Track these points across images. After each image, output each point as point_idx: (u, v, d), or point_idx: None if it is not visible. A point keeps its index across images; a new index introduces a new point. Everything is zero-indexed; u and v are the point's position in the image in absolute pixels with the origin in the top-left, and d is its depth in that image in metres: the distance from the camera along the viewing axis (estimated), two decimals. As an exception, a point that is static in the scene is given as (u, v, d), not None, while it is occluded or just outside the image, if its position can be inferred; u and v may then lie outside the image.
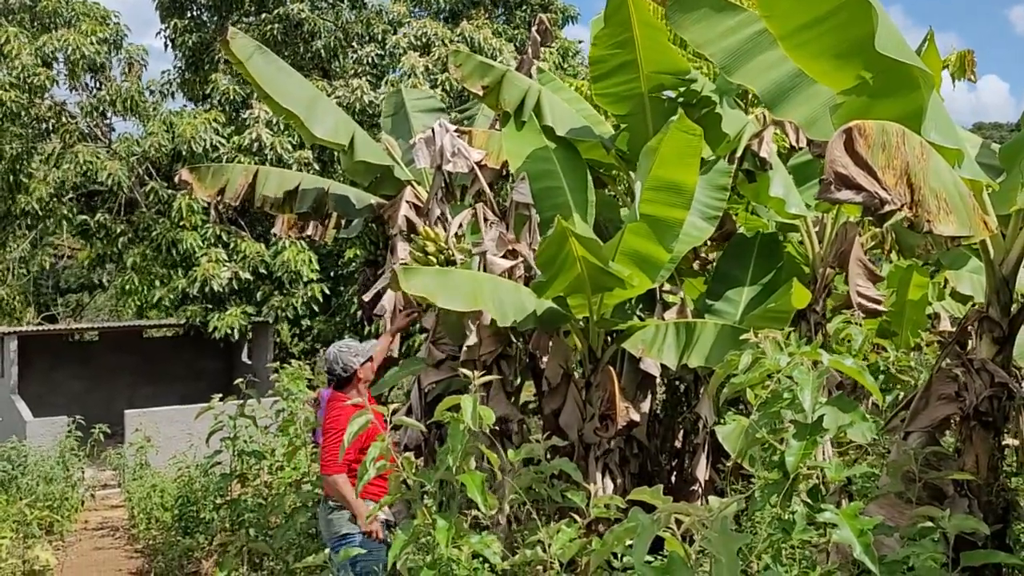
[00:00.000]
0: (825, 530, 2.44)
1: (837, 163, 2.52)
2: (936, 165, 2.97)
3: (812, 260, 6.31)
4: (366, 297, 6.92)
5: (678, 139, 4.80)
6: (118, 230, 15.29)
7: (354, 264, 16.03)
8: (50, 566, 7.12)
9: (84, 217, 15.44)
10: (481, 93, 6.18)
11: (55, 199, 14.97)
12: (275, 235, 7.63)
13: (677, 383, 6.97)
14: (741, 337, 2.92)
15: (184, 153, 14.71)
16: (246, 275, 14.90)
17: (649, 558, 3.86)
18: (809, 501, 2.48)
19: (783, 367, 2.57)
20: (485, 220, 5.55)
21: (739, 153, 6.04)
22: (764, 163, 5.95)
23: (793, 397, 2.49)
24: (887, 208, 2.67)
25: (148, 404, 14.66)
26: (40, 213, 14.89)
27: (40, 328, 17.14)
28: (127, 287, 15.43)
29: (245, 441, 7.71)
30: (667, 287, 6.32)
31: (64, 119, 15.68)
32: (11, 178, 15.19)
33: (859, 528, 2.30)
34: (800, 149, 6.36)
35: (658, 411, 6.81)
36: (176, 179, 7.22)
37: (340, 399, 4.85)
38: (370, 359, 5.16)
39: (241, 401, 7.91)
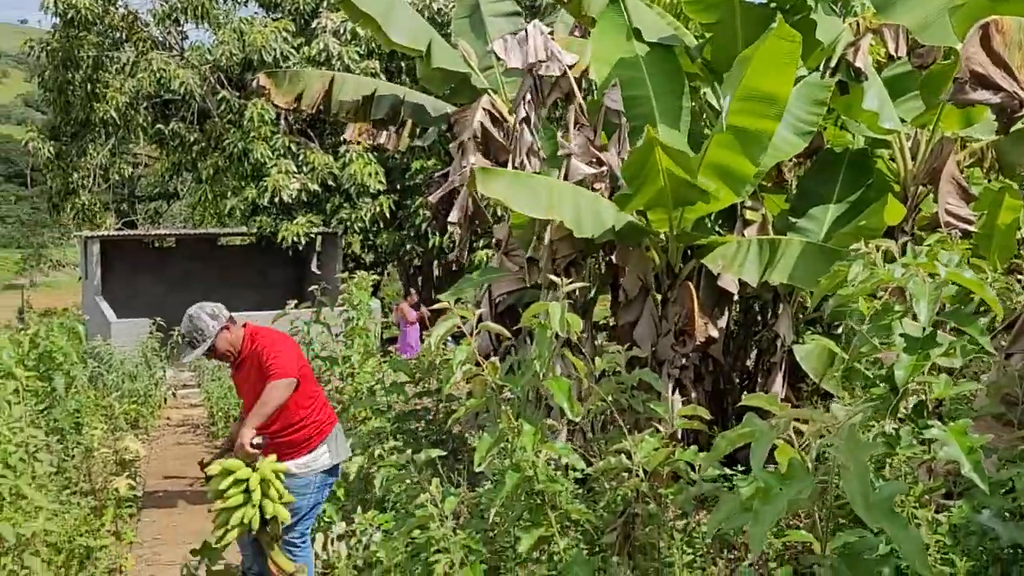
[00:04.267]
0: (929, 447, 2.39)
1: (973, 61, 2.35)
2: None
3: (903, 178, 6.06)
4: (433, 198, 6.88)
5: (774, 46, 4.58)
6: (192, 139, 15.50)
7: (420, 176, 16.04)
8: (139, 456, 7.47)
9: (159, 126, 15.67)
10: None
11: (131, 108, 15.19)
12: (345, 140, 7.60)
13: (753, 301, 6.86)
14: (853, 246, 2.82)
15: (255, 62, 14.74)
16: (315, 187, 15.03)
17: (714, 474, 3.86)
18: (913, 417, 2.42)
19: (897, 278, 2.47)
20: (575, 124, 5.42)
21: (833, 63, 5.76)
22: (859, 74, 5.67)
23: (906, 310, 2.40)
24: (1026, 110, 2.48)
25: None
26: (118, 122, 15.15)
27: (120, 233, 17.65)
28: (201, 198, 15.75)
29: (318, 347, 7.90)
30: (748, 203, 6.15)
31: (137, 27, 15.78)
32: (89, 87, 15.45)
33: (968, 445, 2.23)
34: (898, 59, 6.04)
35: (733, 329, 6.73)
36: (254, 84, 7.22)
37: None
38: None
39: (314, 308, 8.08)
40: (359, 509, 5.02)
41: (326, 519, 5.22)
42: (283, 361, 4.13)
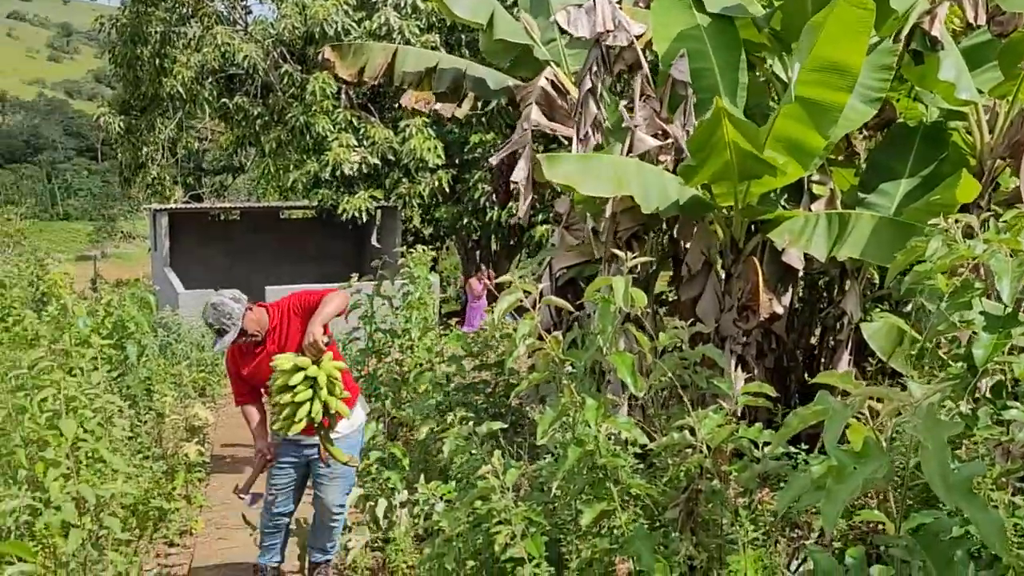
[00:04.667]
0: (1008, 428, 2.32)
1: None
2: None
3: (979, 151, 5.85)
4: (495, 160, 6.86)
5: (846, 14, 4.44)
6: (255, 113, 15.73)
7: (479, 151, 16.05)
8: (207, 423, 7.69)
9: (224, 100, 15.94)
10: (627, -32, 5.89)
11: (197, 82, 15.47)
12: (401, 106, 7.61)
13: (818, 277, 6.72)
14: (931, 221, 2.73)
15: (316, 36, 14.86)
16: (374, 160, 15.15)
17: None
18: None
19: (979, 254, 2.39)
20: (641, 95, 5.35)
21: (906, 32, 5.58)
22: (935, 43, 5.48)
23: (986, 288, 2.32)
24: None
25: (285, 281, 15.38)
26: (184, 96, 15.45)
27: (187, 206, 18.08)
28: (264, 172, 16.01)
29: (380, 320, 8.01)
30: (815, 176, 6.01)
31: (203, 2, 16.03)
32: (157, 62, 15.78)
33: (1049, 428, 2.16)
34: (978, 28, 5.81)
35: (797, 306, 6.61)
36: (319, 57, 7.27)
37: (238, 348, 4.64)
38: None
39: (375, 281, 8.18)
40: (422, 478, 5.10)
41: (389, 486, 5.32)
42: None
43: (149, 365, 8.32)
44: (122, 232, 56.74)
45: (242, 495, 4.69)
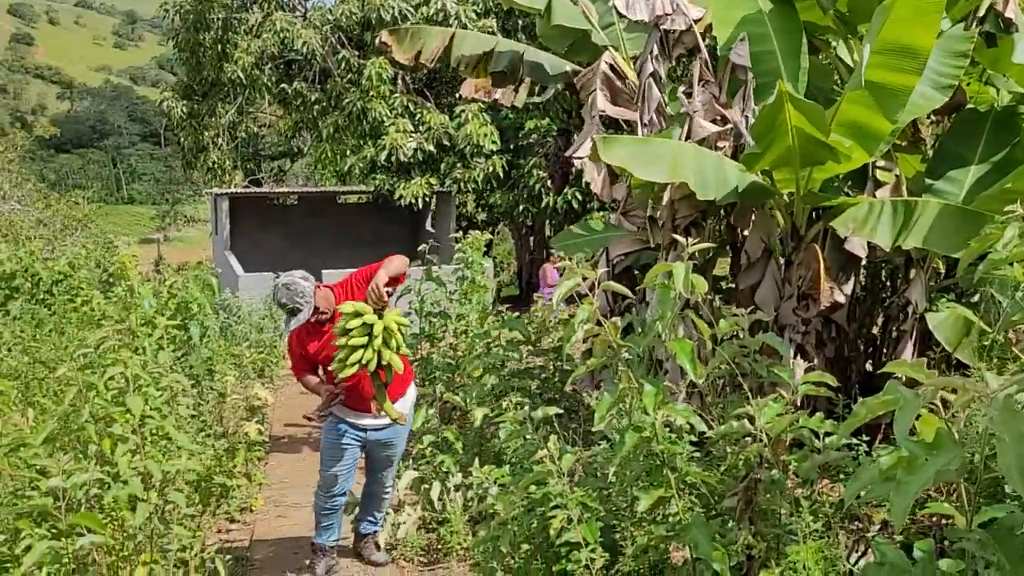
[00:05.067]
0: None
1: None
2: None
3: (1055, 137, 5.65)
4: (570, 153, 6.85)
5: (917, -5, 4.32)
6: (313, 98, 15.90)
7: (534, 136, 16.01)
8: (266, 403, 7.85)
9: (283, 85, 16.15)
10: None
11: (257, 68, 15.70)
12: (460, 97, 7.62)
13: (881, 265, 6.58)
14: (1006, 209, 2.64)
15: (374, 21, 14.96)
16: (430, 147, 15.21)
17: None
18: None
19: (1058, 242, 2.31)
20: (700, 80, 5.28)
21: (980, 14, 5.39)
22: (1008, 25, 5.30)
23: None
24: None
25: (342, 265, 15.58)
26: (244, 81, 15.70)
27: (247, 191, 18.39)
28: (322, 156, 16.19)
29: (432, 304, 8.07)
30: (880, 162, 5.87)
31: (263, -11, 16.24)
32: (219, 48, 16.06)
33: None
34: (1055, 8, 5.59)
35: (859, 294, 6.48)
36: (376, 41, 7.32)
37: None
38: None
39: (426, 266, 8.23)
40: (476, 462, 5.13)
41: (443, 470, 5.37)
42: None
43: (211, 346, 8.52)
44: (184, 216, 58.04)
45: (311, 416, 4.83)
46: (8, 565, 3.66)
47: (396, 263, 4.45)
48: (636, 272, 6.63)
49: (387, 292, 4.30)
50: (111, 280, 11.96)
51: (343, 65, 15.58)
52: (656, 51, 5.49)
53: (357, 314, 4.22)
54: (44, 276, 10.75)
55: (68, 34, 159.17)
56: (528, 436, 4.73)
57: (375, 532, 5.08)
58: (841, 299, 5.41)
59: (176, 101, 17.09)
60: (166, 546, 3.98)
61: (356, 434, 4.73)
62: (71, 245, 17.34)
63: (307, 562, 4.92)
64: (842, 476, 4.93)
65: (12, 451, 4.38)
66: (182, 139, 17.73)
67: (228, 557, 4.94)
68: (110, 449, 4.23)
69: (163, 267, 20.22)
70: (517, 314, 7.22)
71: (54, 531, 3.73)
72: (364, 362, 4.23)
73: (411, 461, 5.99)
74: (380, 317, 4.28)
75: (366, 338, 4.22)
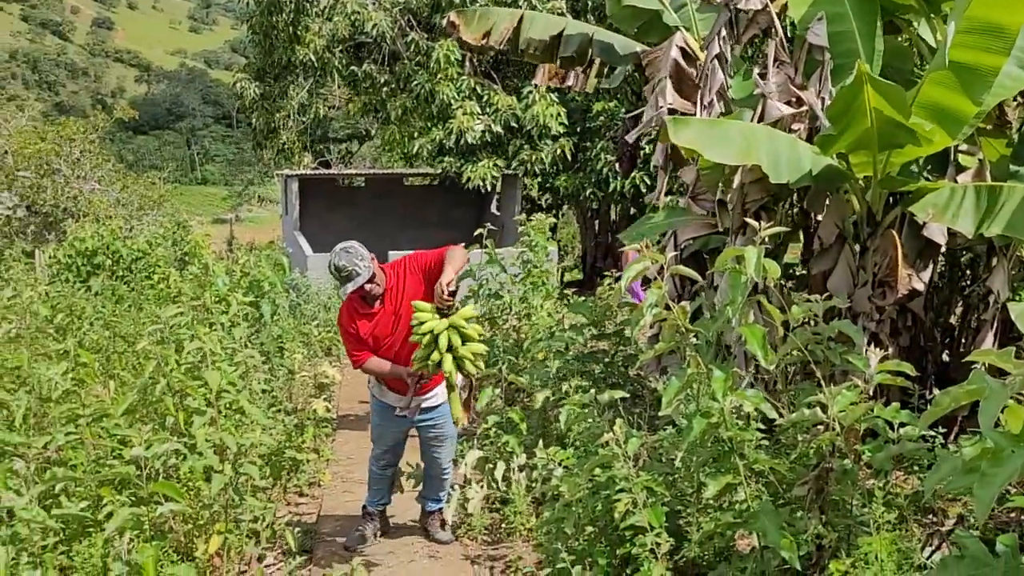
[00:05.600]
0: None
1: None
2: None
3: None
4: (630, 138, 6.80)
5: (1007, -30, 4.14)
6: (382, 80, 16.04)
7: (602, 118, 15.86)
8: (334, 381, 8.00)
9: (353, 68, 16.32)
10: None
11: (328, 50, 15.90)
12: (535, 85, 7.61)
13: (961, 253, 6.36)
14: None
15: (443, 3, 15.01)
16: (497, 128, 15.20)
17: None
18: None
19: None
20: (775, 60, 5.16)
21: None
22: (1106, 2, 5.03)
23: None
24: None
25: (408, 247, 15.74)
26: (316, 64, 15.91)
27: (316, 172, 18.67)
28: (390, 139, 16.33)
29: (494, 287, 8.11)
30: (963, 146, 5.66)
31: (335, -30, 16.40)
32: (291, 30, 16.32)
33: None
34: None
35: (937, 282, 6.28)
36: (444, 23, 7.34)
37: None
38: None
39: (486, 249, 8.25)
40: (540, 444, 5.15)
41: (507, 450, 5.41)
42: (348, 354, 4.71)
43: (281, 324, 8.71)
44: (258, 196, 59.27)
45: (405, 412, 4.67)
46: (91, 529, 3.82)
47: (458, 258, 4.30)
48: (704, 256, 6.55)
49: (452, 292, 4.15)
50: (186, 259, 12.32)
51: (412, 47, 15.67)
52: (724, 32, 5.39)
53: (420, 323, 4.13)
54: (124, 254, 11.12)
55: (146, 18, 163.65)
56: (591, 419, 4.73)
57: (440, 510, 5.14)
58: (919, 287, 5.25)
59: (249, 83, 17.42)
60: (239, 516, 4.10)
61: (397, 415, 4.75)
62: (147, 224, 17.89)
63: (357, 527, 5.05)
64: (915, 468, 4.82)
65: (95, 421, 4.57)
66: (254, 121, 18.07)
67: (297, 529, 5.08)
68: (185, 422, 4.38)
69: (235, 246, 20.71)
70: (582, 298, 7.20)
71: (134, 499, 3.88)
72: (432, 362, 4.13)
73: (475, 441, 6.05)
74: (445, 316, 4.16)
75: (438, 351, 4.12)
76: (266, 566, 4.62)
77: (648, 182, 15.60)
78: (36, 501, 3.47)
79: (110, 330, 7.27)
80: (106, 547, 3.50)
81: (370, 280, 4.38)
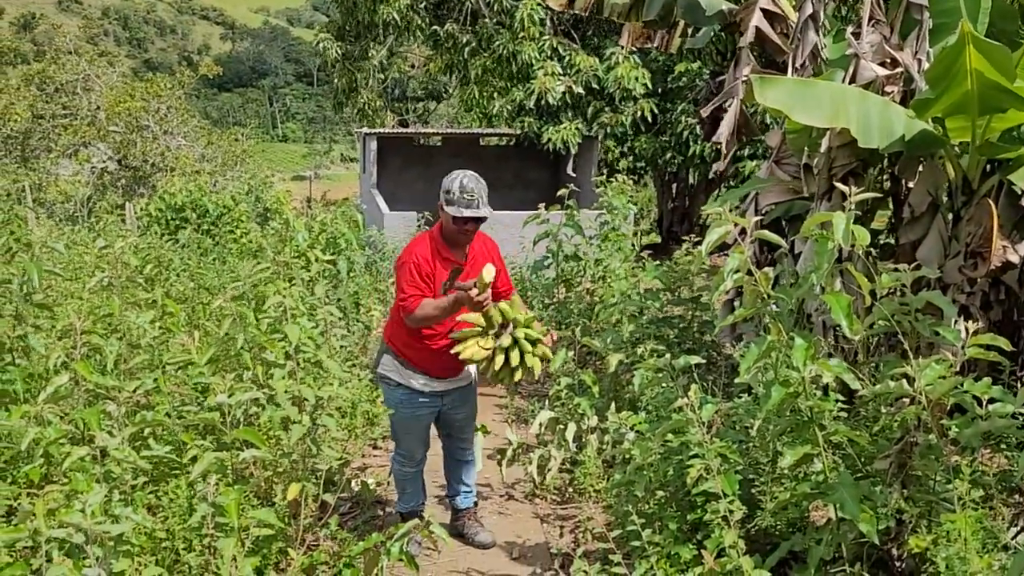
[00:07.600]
0: None
1: None
2: None
3: None
4: (704, 112, 6.64)
5: None
6: (464, 40, 15.97)
7: (684, 79, 15.52)
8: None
9: (435, 27, 16.29)
10: None
11: (411, 9, 15.89)
12: (620, 47, 7.49)
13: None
14: None
15: (527, -36, 14.82)
16: (579, 89, 15.01)
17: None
18: None
19: None
20: (870, 19, 4.94)
21: None
22: None
23: None
24: None
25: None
26: (399, 23, 15.92)
27: (394, 131, 18.82)
28: (469, 98, 16.30)
29: (570, 249, 8.07)
30: (1071, 112, 5.35)
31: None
32: (375, -10, 16.38)
33: None
34: None
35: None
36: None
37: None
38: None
39: (565, 211, 8.20)
40: (612, 407, 5.14)
41: (579, 412, 5.41)
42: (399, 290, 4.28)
43: (357, 280, 8.85)
44: (342, 154, 60.12)
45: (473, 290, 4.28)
46: (176, 472, 3.98)
47: (515, 303, 4.28)
48: (784, 223, 6.38)
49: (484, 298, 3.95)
50: (267, 214, 12.61)
51: (494, 6, 15.54)
52: (816, -12, 5.18)
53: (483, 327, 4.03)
54: (209, 208, 11.43)
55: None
56: (666, 384, 4.69)
57: (475, 504, 4.79)
58: (1015, 259, 5.01)
59: (331, 42, 17.57)
60: (316, 465, 4.21)
61: (430, 400, 4.42)
62: (231, 180, 18.34)
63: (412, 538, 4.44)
64: (1003, 446, 4.65)
65: (180, 369, 4.74)
66: (335, 79, 18.26)
67: (371, 480, 5.20)
68: (263, 375, 4.50)
69: (314, 203, 21.10)
70: (657, 262, 7.11)
71: (216, 444, 4.01)
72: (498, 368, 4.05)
73: (546, 402, 6.07)
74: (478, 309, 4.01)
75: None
76: (341, 514, 4.75)
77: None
78: (127, 442, 3.61)
79: (195, 282, 7.50)
80: (191, 489, 3.63)
81: (483, 220, 4.08)
